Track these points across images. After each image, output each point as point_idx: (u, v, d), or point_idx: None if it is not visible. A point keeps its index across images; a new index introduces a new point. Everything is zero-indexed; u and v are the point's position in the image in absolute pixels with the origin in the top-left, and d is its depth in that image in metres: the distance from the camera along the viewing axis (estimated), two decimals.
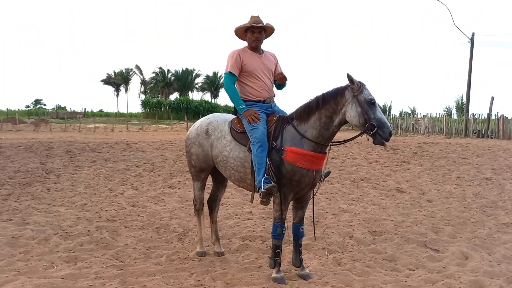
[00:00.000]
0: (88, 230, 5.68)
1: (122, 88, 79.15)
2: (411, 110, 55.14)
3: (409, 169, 11.56)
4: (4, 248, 4.96)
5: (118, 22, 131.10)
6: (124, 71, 77.40)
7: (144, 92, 75.68)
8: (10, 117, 38.47)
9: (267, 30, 4.53)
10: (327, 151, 4.17)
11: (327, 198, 7.93)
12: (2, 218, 6.19)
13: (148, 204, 7.37)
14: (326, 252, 5.01)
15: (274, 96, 4.63)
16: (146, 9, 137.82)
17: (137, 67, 76.31)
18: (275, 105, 4.57)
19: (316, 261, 4.69)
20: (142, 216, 6.54)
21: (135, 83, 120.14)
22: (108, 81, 78.16)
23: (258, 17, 4.44)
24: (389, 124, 3.87)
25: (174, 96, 71.09)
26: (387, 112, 53.99)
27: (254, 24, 4.39)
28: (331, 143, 4.17)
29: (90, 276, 4.20)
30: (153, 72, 74.90)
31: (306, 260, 4.71)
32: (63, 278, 4.14)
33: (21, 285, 3.92)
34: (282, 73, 4.55)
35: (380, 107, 4.03)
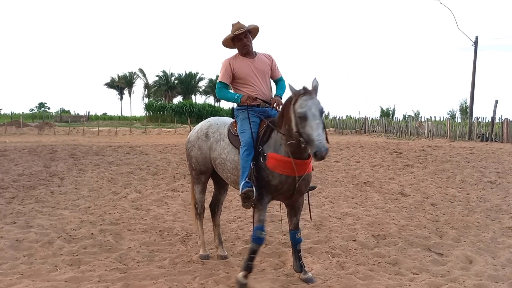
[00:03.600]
0: (92, 233, 5.69)
1: (125, 92, 79.39)
2: (415, 114, 55.01)
3: (412, 172, 11.53)
4: (8, 251, 4.98)
5: (121, 26, 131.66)
6: (127, 74, 77.66)
7: (148, 96, 75.89)
8: (14, 121, 38.58)
9: (252, 31, 4.50)
10: (308, 156, 3.94)
11: (331, 202, 7.92)
12: (6, 221, 6.21)
13: (151, 208, 7.37)
14: (329, 255, 5.00)
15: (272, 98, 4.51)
16: (149, 13, 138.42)
17: (141, 70, 76.56)
18: (271, 109, 4.43)
19: (320, 265, 4.67)
20: (146, 219, 6.54)
21: (138, 86, 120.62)
22: (111, 84, 78.40)
23: (238, 22, 4.44)
24: (320, 143, 3.48)
25: (177, 99, 71.31)
26: (391, 116, 53.92)
27: (236, 32, 4.37)
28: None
29: (93, 279, 4.21)
30: (157, 76, 75.15)
31: (309, 263, 4.70)
32: (66, 281, 4.14)
33: None
34: (276, 101, 4.32)
35: (321, 121, 3.63)
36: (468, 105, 31.89)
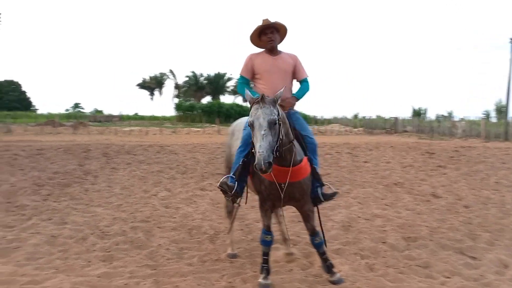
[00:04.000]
0: (124, 230, 5.83)
1: (156, 92, 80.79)
2: (448, 113, 53.62)
3: (445, 173, 11.25)
4: (44, 246, 5.16)
5: (153, 28, 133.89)
6: (158, 75, 78.97)
7: (177, 96, 76.92)
8: (50, 120, 39.91)
9: (280, 31, 4.48)
10: (289, 165, 3.82)
11: (359, 203, 7.83)
12: (42, 218, 6.44)
13: (180, 206, 7.49)
14: (358, 257, 4.94)
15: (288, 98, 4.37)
16: (180, 15, 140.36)
17: (171, 71, 77.62)
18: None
19: (348, 266, 4.63)
20: (175, 218, 6.65)
21: (168, 87, 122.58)
22: (143, 85, 79.91)
23: (267, 19, 4.41)
24: (260, 156, 3.28)
25: (206, 99, 71.96)
26: (423, 116, 52.69)
27: (263, 24, 4.36)
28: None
29: (125, 275, 4.31)
30: (186, 76, 76.03)
31: (338, 265, 4.66)
32: (99, 277, 4.26)
33: (60, 283, 4.06)
34: (288, 102, 4.26)
35: (269, 133, 3.40)
36: (504, 105, 30.81)
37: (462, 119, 32.11)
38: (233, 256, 4.95)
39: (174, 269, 4.50)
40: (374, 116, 44.23)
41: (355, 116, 55.78)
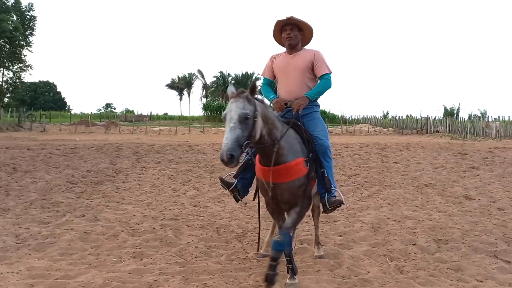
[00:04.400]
0: (153, 228, 5.94)
1: (185, 92, 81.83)
2: (481, 113, 51.95)
3: (478, 175, 10.94)
4: (77, 242, 5.32)
5: (181, 29, 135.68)
6: (187, 75, 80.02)
7: (206, 96, 77.68)
8: (83, 120, 41.07)
9: (304, 30, 4.30)
10: (269, 164, 3.69)
11: (389, 204, 7.71)
12: (76, 214, 6.64)
13: (208, 205, 7.56)
14: (387, 259, 4.87)
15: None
16: (208, 16, 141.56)
17: (199, 71, 78.60)
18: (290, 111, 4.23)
19: (377, 268, 4.57)
20: (203, 216, 6.73)
21: (197, 87, 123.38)
22: (172, 85, 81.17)
23: (290, 16, 4.22)
24: (224, 147, 3.22)
25: None
26: (455, 115, 51.31)
27: (282, 19, 4.20)
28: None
29: (154, 272, 4.39)
30: (214, 76, 76.70)
31: (366, 266, 4.61)
32: (130, 273, 4.35)
33: (92, 278, 4.17)
34: (296, 103, 4.15)
35: (238, 127, 3.32)
36: None
37: (496, 119, 31.02)
38: (264, 256, 4.86)
39: (202, 267, 4.55)
40: (404, 116, 43.29)
41: (385, 116, 54.88)
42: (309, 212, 4.64)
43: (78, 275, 4.27)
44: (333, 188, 4.11)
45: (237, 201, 4.41)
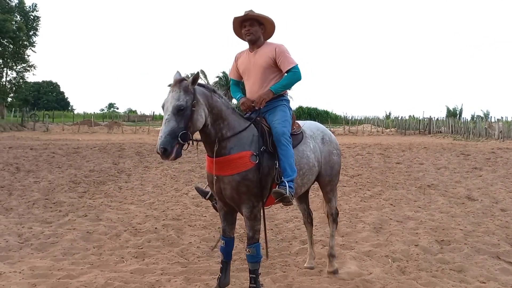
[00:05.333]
0: (156, 228, 5.95)
1: None
2: (484, 114, 51.82)
3: (481, 176, 10.91)
4: (79, 242, 5.33)
5: (184, 29, 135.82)
6: (189, 75, 79.99)
7: None
8: (86, 120, 41.16)
9: (265, 24, 3.98)
10: (213, 156, 3.55)
11: (391, 204, 7.69)
12: (78, 214, 6.65)
13: (210, 205, 7.55)
14: (389, 259, 4.86)
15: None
16: (210, 15, 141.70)
17: (202, 71, 78.52)
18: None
19: (379, 269, 4.56)
20: (205, 216, 6.73)
21: None
22: None
23: (250, 10, 3.93)
24: (159, 140, 3.14)
25: None
26: (458, 116, 51.19)
27: (239, 16, 3.93)
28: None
29: (157, 272, 4.40)
30: (217, 77, 76.56)
31: (369, 267, 4.60)
32: (132, 273, 4.36)
33: (94, 278, 4.18)
34: (258, 97, 3.88)
35: (173, 118, 3.22)
36: None
37: (499, 120, 30.92)
38: (311, 268, 4.63)
39: (204, 267, 4.56)
40: (406, 116, 43.20)
41: (387, 116, 54.80)
42: (325, 219, 4.50)
43: (80, 274, 4.28)
44: (283, 179, 3.64)
45: (216, 210, 4.08)
